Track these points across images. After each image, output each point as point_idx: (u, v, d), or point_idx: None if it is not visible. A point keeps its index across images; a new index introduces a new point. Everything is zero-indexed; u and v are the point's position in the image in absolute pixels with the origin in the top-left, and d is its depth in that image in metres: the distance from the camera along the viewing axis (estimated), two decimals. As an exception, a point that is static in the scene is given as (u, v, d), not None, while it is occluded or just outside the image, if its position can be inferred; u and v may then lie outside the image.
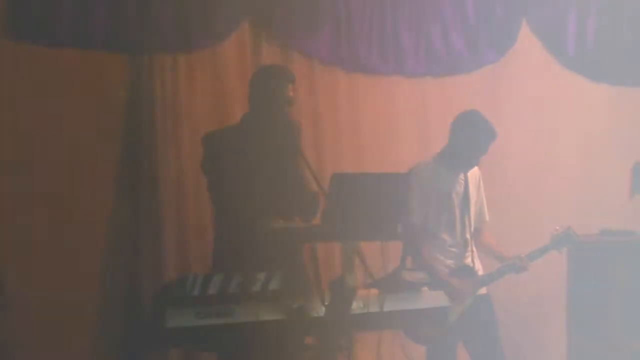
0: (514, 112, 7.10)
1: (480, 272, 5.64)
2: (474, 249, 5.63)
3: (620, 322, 6.22)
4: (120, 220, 5.95)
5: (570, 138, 7.41)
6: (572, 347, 6.56)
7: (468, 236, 5.59)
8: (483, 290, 5.62)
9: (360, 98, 6.79)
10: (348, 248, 4.10)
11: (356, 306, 4.10)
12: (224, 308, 3.93)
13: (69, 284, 5.73)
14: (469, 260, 5.58)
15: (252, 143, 4.89)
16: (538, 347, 7.13)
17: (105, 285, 5.93)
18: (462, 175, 5.58)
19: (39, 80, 5.72)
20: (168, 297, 4.01)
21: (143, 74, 6.02)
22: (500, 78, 7.23)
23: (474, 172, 5.65)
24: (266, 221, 4.43)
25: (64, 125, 5.76)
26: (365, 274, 4.22)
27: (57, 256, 5.70)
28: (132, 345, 5.83)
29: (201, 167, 5.01)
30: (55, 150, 5.75)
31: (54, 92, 5.74)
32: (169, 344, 4.76)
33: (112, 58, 5.94)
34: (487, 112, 5.60)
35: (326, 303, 4.07)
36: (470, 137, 5.46)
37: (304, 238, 4.63)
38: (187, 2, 6.06)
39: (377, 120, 6.87)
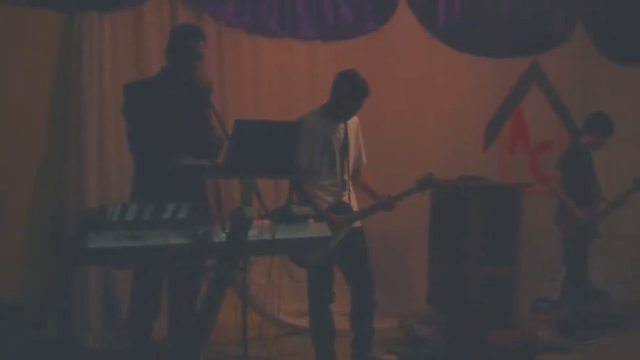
0: (391, 75, 7.31)
1: (356, 209, 5.76)
2: (352, 189, 5.76)
3: (474, 250, 6.39)
4: (50, 157, 6.08)
5: (437, 100, 7.66)
6: (432, 273, 6.76)
7: (346, 178, 5.70)
8: (358, 224, 5.74)
9: (261, 57, 6.94)
10: (246, 184, 4.11)
11: (252, 234, 4.11)
12: (139, 233, 3.88)
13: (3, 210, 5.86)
14: (346, 198, 5.70)
15: (168, 93, 4.92)
16: (403, 272, 7.41)
17: (36, 213, 6.04)
18: (342, 125, 5.66)
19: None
20: (91, 222, 3.87)
21: (74, 29, 6.08)
22: (380, 45, 7.39)
23: (353, 121, 5.74)
24: (177, 159, 4.42)
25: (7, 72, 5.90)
26: (260, 206, 4.29)
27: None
28: (59, 263, 5.95)
29: (122, 113, 5.03)
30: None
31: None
32: (91, 262, 4.79)
33: (46, 15, 6.01)
34: (368, 74, 5.68)
35: (227, 231, 4.06)
36: (348, 92, 5.54)
37: (208, 175, 4.66)
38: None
39: (275, 76, 7.01)
